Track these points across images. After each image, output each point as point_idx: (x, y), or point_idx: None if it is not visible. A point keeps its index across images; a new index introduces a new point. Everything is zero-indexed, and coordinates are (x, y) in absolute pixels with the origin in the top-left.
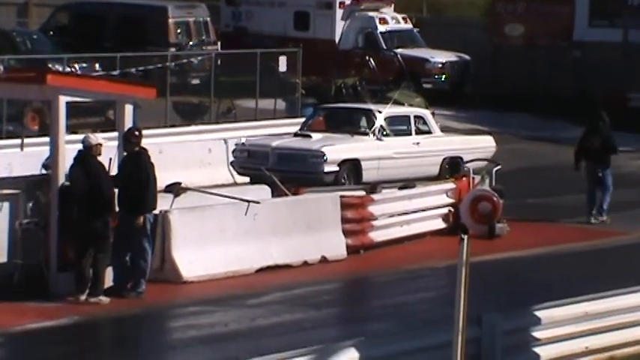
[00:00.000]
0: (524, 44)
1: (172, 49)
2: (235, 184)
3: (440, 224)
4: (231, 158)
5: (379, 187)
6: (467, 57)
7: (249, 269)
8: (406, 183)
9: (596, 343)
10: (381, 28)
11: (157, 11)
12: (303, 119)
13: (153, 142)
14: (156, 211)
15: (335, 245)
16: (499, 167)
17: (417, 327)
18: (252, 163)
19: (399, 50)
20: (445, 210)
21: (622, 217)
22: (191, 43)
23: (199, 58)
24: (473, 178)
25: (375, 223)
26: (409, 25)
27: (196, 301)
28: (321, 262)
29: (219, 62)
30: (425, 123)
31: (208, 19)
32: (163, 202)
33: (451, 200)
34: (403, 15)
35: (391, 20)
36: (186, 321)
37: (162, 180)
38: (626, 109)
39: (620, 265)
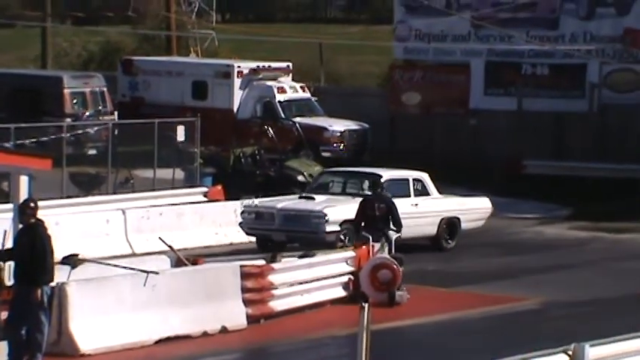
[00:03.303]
0: (421, 112)
1: (68, 120)
2: (134, 254)
3: (340, 292)
4: (240, 219)
5: (279, 256)
6: (365, 125)
7: (148, 340)
8: (306, 252)
9: None
10: (280, 97)
11: (52, 81)
12: (201, 189)
13: (49, 213)
14: (53, 283)
15: (235, 315)
16: (399, 235)
17: None
18: (260, 224)
19: (297, 119)
20: (345, 278)
21: (520, 283)
22: (87, 113)
23: (96, 128)
24: (372, 246)
25: (275, 292)
26: (307, 94)
27: None
28: (221, 332)
29: (116, 132)
30: (423, 185)
31: (105, 88)
32: (60, 274)
33: (351, 268)
34: (301, 84)
35: (289, 89)
36: None
37: (59, 251)
38: (522, 176)
39: (519, 332)
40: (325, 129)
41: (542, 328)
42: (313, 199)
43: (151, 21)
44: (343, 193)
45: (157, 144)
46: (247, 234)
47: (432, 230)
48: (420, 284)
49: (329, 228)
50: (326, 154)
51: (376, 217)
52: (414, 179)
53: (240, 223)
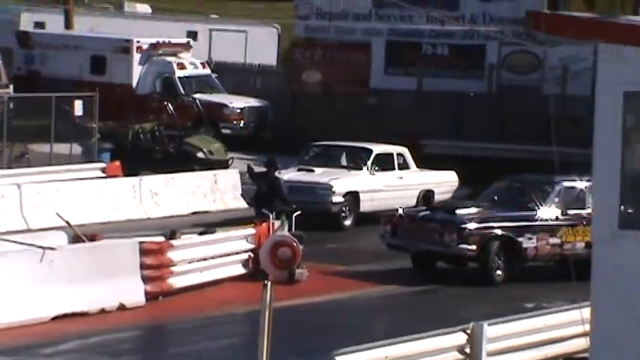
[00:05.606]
0: (321, 91)
1: None
2: (29, 230)
3: (240, 270)
4: (243, 186)
5: (178, 233)
6: (266, 102)
7: (45, 317)
8: (206, 229)
9: None
10: (179, 73)
11: None
12: (99, 164)
13: None
14: None
15: (133, 292)
16: (299, 212)
17: None
18: None
19: (197, 95)
20: (245, 255)
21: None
22: None
23: None
24: (273, 223)
25: (174, 269)
26: (207, 71)
27: None
28: (119, 309)
29: (11, 106)
30: (405, 160)
31: (0, 61)
32: None
33: (251, 246)
34: (201, 60)
35: (189, 65)
36: None
37: None
38: (422, 156)
39: (417, 311)
40: (225, 106)
41: (437, 308)
42: (313, 171)
43: None
44: (336, 166)
45: (53, 118)
46: (249, 204)
47: (412, 202)
48: (320, 262)
49: (335, 199)
50: (226, 131)
51: (260, 195)
52: (397, 153)
53: (241, 194)
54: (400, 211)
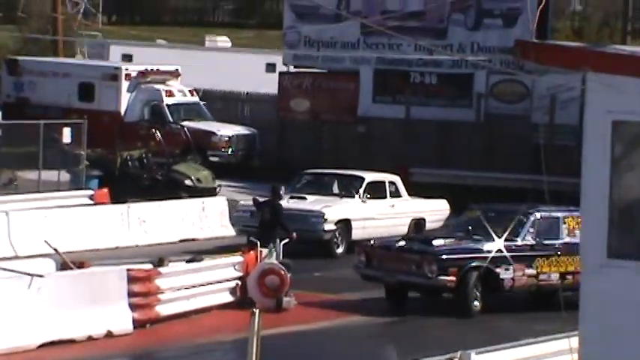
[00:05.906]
0: (310, 119)
1: None
2: (17, 257)
3: (227, 297)
4: (235, 214)
5: (166, 261)
6: (254, 130)
7: (32, 345)
8: (194, 256)
9: None
10: (168, 100)
11: None
12: (87, 191)
13: None
14: None
15: (121, 319)
16: (287, 240)
17: None
18: (255, 222)
19: (185, 123)
20: (233, 283)
21: None
22: None
23: None
24: (260, 251)
25: (162, 296)
26: (196, 98)
27: None
28: (106, 337)
29: (0, 133)
30: (396, 188)
31: None
32: None
33: (239, 273)
34: (190, 88)
35: (178, 93)
36: None
37: None
38: (409, 184)
39: (401, 339)
40: (213, 133)
41: (424, 337)
42: (305, 199)
43: (37, 22)
44: (328, 193)
45: (42, 145)
46: (240, 232)
47: (404, 230)
48: (308, 290)
49: (327, 227)
50: (214, 159)
51: (264, 223)
52: (389, 182)
53: (232, 222)
54: (373, 242)
